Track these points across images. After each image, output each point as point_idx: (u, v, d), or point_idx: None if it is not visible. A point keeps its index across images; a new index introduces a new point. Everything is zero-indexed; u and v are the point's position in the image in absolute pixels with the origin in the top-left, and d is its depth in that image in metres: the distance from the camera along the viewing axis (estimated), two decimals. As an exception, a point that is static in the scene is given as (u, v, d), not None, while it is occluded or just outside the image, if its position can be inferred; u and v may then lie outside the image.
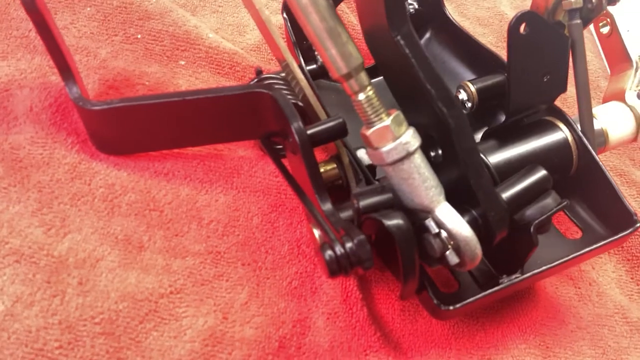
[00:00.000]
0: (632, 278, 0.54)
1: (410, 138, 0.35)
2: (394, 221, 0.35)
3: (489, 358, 0.44)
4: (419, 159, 0.36)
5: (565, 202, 0.39)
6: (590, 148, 0.45)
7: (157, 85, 0.52)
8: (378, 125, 0.35)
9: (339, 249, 0.35)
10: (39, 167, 0.44)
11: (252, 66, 0.55)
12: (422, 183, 0.36)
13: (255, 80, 0.50)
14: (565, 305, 0.50)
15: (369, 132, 0.35)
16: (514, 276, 0.41)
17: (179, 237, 0.44)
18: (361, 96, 0.35)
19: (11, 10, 0.51)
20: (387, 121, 0.35)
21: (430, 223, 0.36)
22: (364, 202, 0.37)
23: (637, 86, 0.49)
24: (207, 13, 0.60)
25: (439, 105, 0.36)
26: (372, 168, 0.46)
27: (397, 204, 0.38)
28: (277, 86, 0.48)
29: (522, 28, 0.42)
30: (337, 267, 0.35)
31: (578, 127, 0.46)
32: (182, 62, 0.54)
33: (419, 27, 0.59)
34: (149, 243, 0.43)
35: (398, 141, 0.35)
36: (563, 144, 0.46)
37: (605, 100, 0.51)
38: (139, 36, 0.54)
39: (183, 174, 0.47)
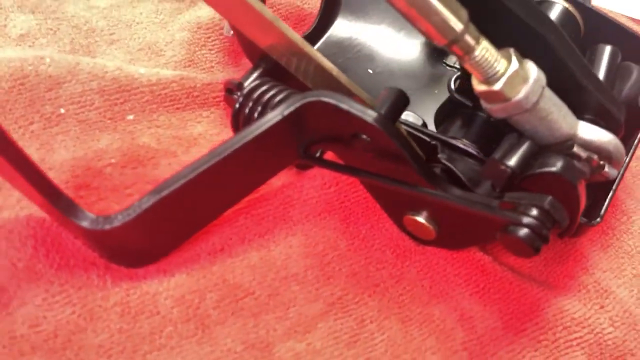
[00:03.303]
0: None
1: (537, 72, 0.31)
2: (559, 165, 0.31)
3: (614, 245, 0.43)
4: (548, 90, 0.32)
5: (647, 67, 0.38)
6: (590, 5, 0.45)
7: (125, 157, 0.40)
8: (507, 74, 0.30)
9: (529, 221, 0.31)
10: (84, 331, 0.32)
11: (209, 84, 0.45)
12: (559, 112, 0.32)
13: (242, 97, 0.40)
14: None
15: (498, 86, 0.30)
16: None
17: (292, 309, 0.35)
18: (478, 50, 0.29)
19: None
20: (514, 65, 0.30)
21: (578, 150, 0.33)
22: (514, 162, 0.32)
23: None
24: (105, 48, 0.47)
25: (529, 22, 0.32)
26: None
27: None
28: (273, 87, 0.40)
29: None
30: (541, 240, 0.30)
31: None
32: (131, 117, 0.42)
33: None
34: (270, 335, 0.34)
35: (531, 81, 0.30)
36: (566, 15, 0.45)
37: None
38: (62, 110, 0.40)
39: (237, 240, 0.38)
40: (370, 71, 0.50)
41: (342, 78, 0.37)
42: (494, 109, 0.32)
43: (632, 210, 0.46)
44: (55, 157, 0.39)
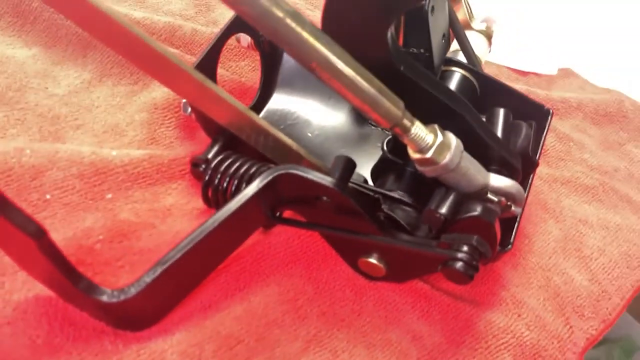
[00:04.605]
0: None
1: (456, 140, 0.40)
2: (478, 210, 0.41)
3: (521, 264, 0.54)
4: (465, 152, 0.41)
5: (532, 122, 0.49)
6: (483, 72, 0.55)
7: (110, 233, 0.45)
8: (435, 145, 0.39)
9: (462, 256, 0.39)
10: (107, 391, 0.37)
11: (174, 159, 0.51)
12: (475, 168, 0.42)
13: (210, 170, 0.47)
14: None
15: (429, 154, 0.39)
16: (521, 196, 0.50)
17: (277, 350, 0.42)
18: (413, 130, 0.38)
19: None
20: (440, 137, 0.39)
21: (490, 196, 0.42)
22: (446, 210, 0.41)
23: (472, 12, 0.60)
24: (72, 133, 0.52)
25: (444, 100, 0.41)
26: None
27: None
28: (236, 160, 0.47)
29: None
30: (473, 270, 0.39)
31: (459, 60, 0.56)
32: (109, 196, 0.47)
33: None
34: (263, 374, 0.40)
35: (453, 147, 0.39)
36: (465, 81, 0.55)
37: (450, 35, 0.61)
38: (48, 196, 0.45)
39: (222, 296, 0.44)
40: (310, 134, 0.58)
41: (302, 151, 0.44)
42: (427, 171, 0.41)
43: (531, 234, 0.57)
44: (48, 239, 0.43)
